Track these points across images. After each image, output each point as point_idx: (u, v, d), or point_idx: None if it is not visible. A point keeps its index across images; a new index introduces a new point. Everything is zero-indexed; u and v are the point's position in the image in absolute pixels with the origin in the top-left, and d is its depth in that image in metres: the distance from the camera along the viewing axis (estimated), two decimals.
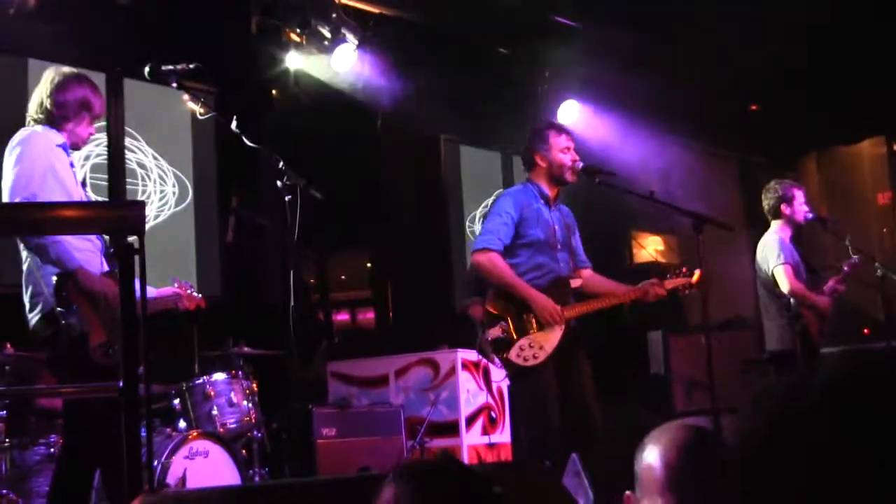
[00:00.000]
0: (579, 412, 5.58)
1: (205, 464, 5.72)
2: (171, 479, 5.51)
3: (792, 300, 7.01)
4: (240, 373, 6.48)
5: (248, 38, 8.22)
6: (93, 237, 4.58)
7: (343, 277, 11.21)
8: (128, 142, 8.03)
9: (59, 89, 4.70)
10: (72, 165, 4.72)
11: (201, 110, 5.47)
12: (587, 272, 6.01)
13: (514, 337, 5.51)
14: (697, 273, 5.83)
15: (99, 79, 6.36)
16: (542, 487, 3.83)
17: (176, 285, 5.23)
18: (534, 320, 5.54)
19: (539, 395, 5.53)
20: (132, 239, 2.86)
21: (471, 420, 7.87)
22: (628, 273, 11.67)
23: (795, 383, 1.00)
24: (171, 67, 5.17)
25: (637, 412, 8.60)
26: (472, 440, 7.83)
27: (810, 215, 7.37)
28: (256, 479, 6.29)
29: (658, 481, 2.19)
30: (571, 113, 9.85)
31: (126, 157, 8.03)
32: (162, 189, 8.26)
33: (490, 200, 10.72)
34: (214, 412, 6.20)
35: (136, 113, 8.05)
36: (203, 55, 5.62)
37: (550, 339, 5.53)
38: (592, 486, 4.08)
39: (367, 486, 2.08)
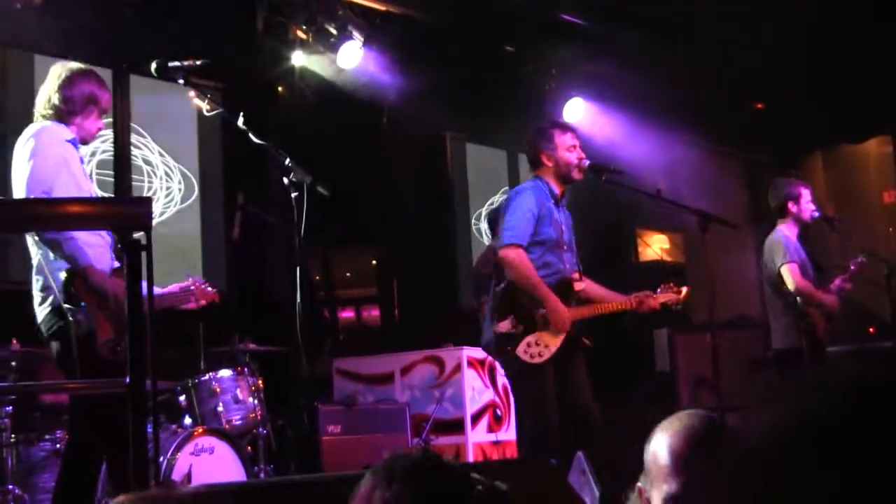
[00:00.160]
0: (580, 413, 5.61)
1: (210, 460, 5.73)
2: (177, 475, 5.52)
3: (798, 299, 7.01)
4: (245, 369, 6.49)
5: (254, 34, 8.22)
6: (103, 233, 4.59)
7: (348, 275, 11.21)
8: (134, 138, 8.04)
9: (65, 84, 4.71)
10: (81, 161, 4.72)
11: (208, 107, 5.47)
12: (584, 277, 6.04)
13: (523, 333, 5.53)
14: (685, 290, 5.94)
15: (105, 75, 6.35)
16: (548, 485, 3.83)
17: (189, 280, 5.23)
18: (541, 319, 5.55)
19: (541, 394, 5.55)
20: (139, 235, 2.86)
21: (476, 417, 7.87)
22: (633, 271, 11.74)
23: (817, 381, 1.00)
24: (177, 64, 5.16)
25: (643, 410, 8.59)
26: (477, 438, 7.83)
27: (817, 214, 7.36)
28: (262, 475, 6.30)
29: (663, 467, 2.20)
30: (577, 111, 9.85)
31: (132, 153, 8.04)
32: (168, 185, 8.26)
33: (497, 198, 10.74)
34: (220, 409, 6.20)
35: (142, 109, 8.06)
36: (210, 52, 5.62)
37: (555, 339, 5.55)
38: (598, 483, 4.08)
39: None
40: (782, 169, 11.52)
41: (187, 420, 6.18)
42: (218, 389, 6.24)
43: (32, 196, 4.38)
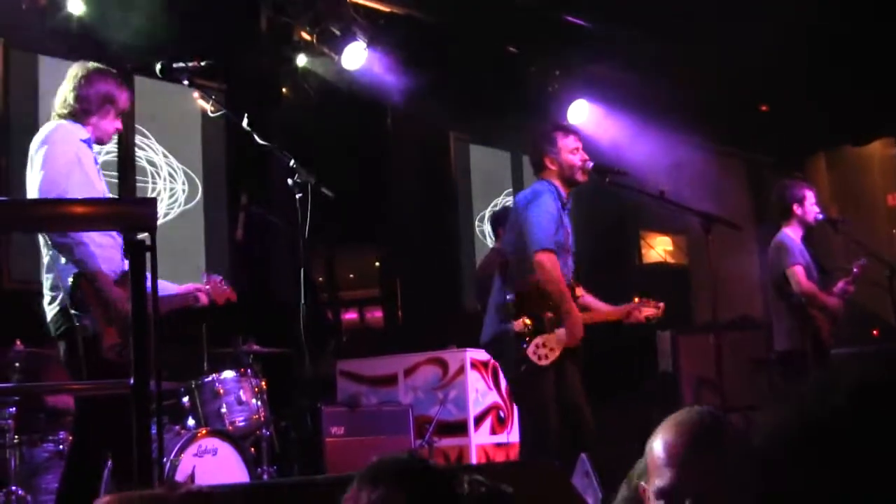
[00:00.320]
0: (574, 416, 5.62)
1: (213, 462, 5.73)
2: (180, 476, 5.51)
3: (803, 300, 7.00)
4: (249, 371, 6.48)
5: (258, 35, 8.23)
6: (113, 233, 4.58)
7: (352, 276, 11.21)
8: (138, 139, 8.05)
9: (81, 84, 4.70)
10: (96, 162, 4.72)
11: (212, 108, 5.46)
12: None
13: (533, 334, 5.54)
14: (662, 306, 6.03)
15: None
16: (551, 487, 3.83)
17: (205, 279, 5.21)
18: (548, 322, 5.56)
19: (544, 396, 5.57)
20: (143, 236, 2.86)
21: (479, 419, 7.87)
22: (637, 273, 11.74)
23: (823, 384, 1.00)
24: (182, 65, 5.16)
25: (645, 411, 8.58)
26: (480, 439, 7.83)
27: (820, 216, 7.35)
28: (265, 477, 6.30)
29: (657, 460, 2.21)
30: (581, 113, 9.86)
31: (136, 154, 8.05)
32: (171, 186, 8.27)
33: (500, 199, 10.73)
34: (223, 410, 6.20)
35: (146, 110, 8.06)
36: (214, 53, 5.62)
37: (560, 343, 5.57)
38: (601, 485, 4.09)
39: None
40: (786, 170, 11.54)
41: (191, 421, 6.18)
42: (221, 391, 6.24)
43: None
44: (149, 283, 2.76)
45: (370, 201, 9.68)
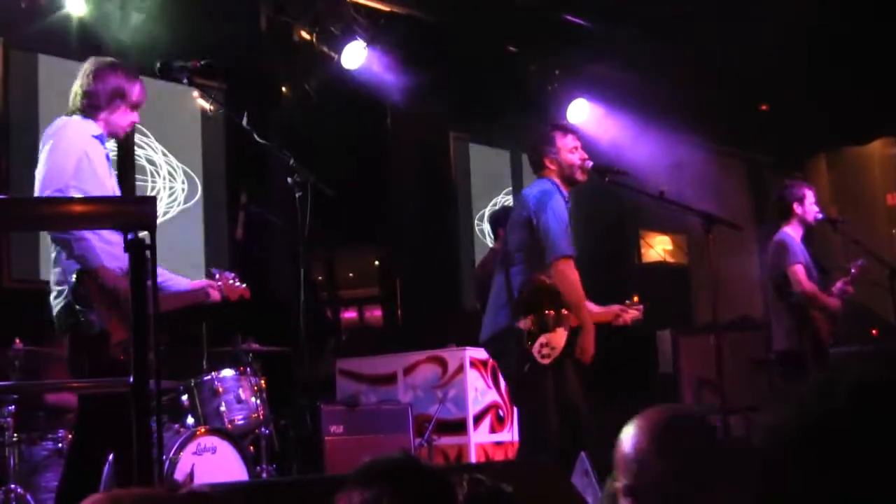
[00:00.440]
0: (574, 415, 5.62)
1: (212, 460, 5.73)
2: (180, 475, 5.52)
3: (802, 300, 7.00)
4: (248, 369, 6.48)
5: (258, 35, 8.23)
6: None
7: (351, 275, 11.21)
8: (137, 138, 8.04)
9: (90, 79, 4.69)
10: (108, 158, 4.71)
11: (212, 107, 5.47)
12: None
13: (538, 333, 5.54)
14: (642, 308, 6.09)
15: None
16: (550, 486, 3.83)
17: (217, 276, 5.20)
18: (551, 321, 5.55)
19: (544, 396, 5.56)
20: (143, 235, 2.86)
21: (479, 418, 7.87)
22: (636, 272, 11.74)
23: (822, 384, 1.00)
24: (182, 64, 5.16)
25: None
26: (479, 438, 7.83)
27: (820, 216, 7.35)
28: (264, 475, 6.30)
29: (622, 458, 2.22)
30: (581, 112, 9.86)
31: (135, 153, 8.04)
32: (171, 185, 8.27)
33: (500, 198, 10.74)
34: (222, 408, 6.20)
35: (145, 109, 8.02)
36: (214, 52, 5.62)
37: (560, 343, 5.56)
38: (600, 484, 4.09)
39: None
40: (786, 170, 11.53)
41: (190, 420, 6.17)
42: (220, 389, 6.24)
43: (44, 193, 4.37)
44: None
45: (370, 200, 9.67)
